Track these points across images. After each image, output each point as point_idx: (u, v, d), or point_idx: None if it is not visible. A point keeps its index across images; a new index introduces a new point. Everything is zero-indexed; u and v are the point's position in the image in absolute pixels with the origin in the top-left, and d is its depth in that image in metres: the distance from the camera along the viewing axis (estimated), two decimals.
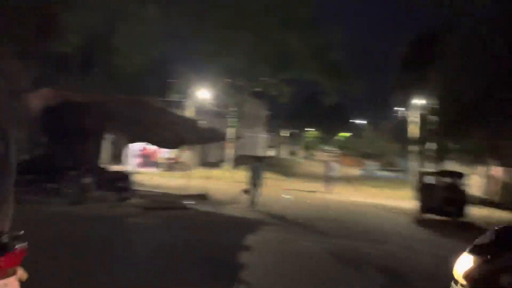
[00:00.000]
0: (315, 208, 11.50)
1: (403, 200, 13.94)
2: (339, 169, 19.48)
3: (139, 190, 9.90)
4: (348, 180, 21.26)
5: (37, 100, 9.70)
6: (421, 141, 20.26)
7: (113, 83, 12.05)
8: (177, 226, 7.16)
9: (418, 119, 21.60)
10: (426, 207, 10.84)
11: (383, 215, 11.48)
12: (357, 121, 45.05)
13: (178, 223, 7.47)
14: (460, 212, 10.35)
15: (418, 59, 14.15)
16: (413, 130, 22.29)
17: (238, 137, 22.15)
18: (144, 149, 18.67)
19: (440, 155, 17.64)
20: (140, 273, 4.33)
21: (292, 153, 44.24)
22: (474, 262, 2.91)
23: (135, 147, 17.61)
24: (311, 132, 48.95)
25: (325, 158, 28.48)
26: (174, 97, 21.69)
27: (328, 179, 17.00)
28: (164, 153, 19.50)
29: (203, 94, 22.06)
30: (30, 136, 9.65)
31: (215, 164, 21.76)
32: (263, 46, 17.16)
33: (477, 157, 15.04)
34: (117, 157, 17.61)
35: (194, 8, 13.21)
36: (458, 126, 11.82)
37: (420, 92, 18.51)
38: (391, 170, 29.36)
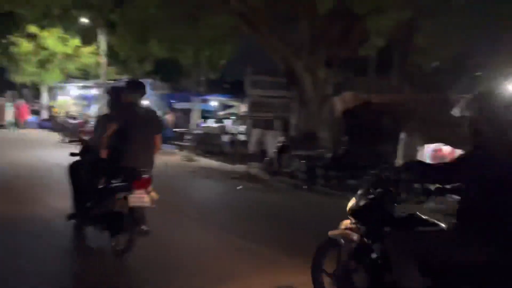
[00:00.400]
0: None
1: None
2: None
3: None
4: None
5: (340, 103, 10.78)
6: None
7: (409, 82, 11.92)
8: None
9: None
10: None
11: None
12: None
13: None
14: None
15: None
16: None
17: None
18: (439, 150, 17.52)
19: None
20: None
21: None
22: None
23: (430, 148, 16.76)
24: None
25: None
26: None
27: None
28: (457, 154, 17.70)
29: None
30: (333, 136, 10.81)
31: None
32: None
33: None
34: (409, 158, 17.30)
35: None
36: None
37: None
38: None
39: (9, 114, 19.97)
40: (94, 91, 21.45)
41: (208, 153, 15.04)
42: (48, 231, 4.94)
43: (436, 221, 2.57)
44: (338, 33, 10.04)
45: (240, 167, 12.46)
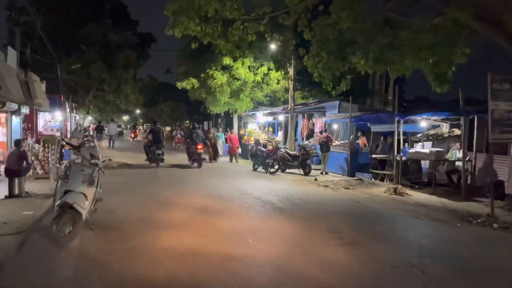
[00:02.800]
0: None
1: None
2: None
3: None
4: None
5: None
6: None
7: None
8: None
9: None
10: None
11: None
12: None
13: None
14: None
15: None
16: None
17: None
18: None
19: None
20: None
21: None
22: None
23: None
24: None
25: None
26: None
27: None
28: None
29: None
30: None
31: None
32: None
33: None
34: None
35: None
36: None
37: None
38: None
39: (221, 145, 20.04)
40: (281, 117, 21.22)
41: (415, 184, 12.38)
42: None
43: None
44: None
45: (471, 205, 9.49)
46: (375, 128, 14.75)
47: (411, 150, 12.76)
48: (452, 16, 8.08)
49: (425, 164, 13.22)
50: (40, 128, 24.05)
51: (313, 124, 21.44)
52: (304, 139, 20.53)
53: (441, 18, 8.47)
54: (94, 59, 34.16)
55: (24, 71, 16.09)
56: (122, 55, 35.89)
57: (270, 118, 22.93)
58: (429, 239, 6.69)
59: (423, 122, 13.31)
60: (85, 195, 5.31)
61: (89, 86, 36.02)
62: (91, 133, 30.17)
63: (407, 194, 11.04)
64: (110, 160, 5.40)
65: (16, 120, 15.75)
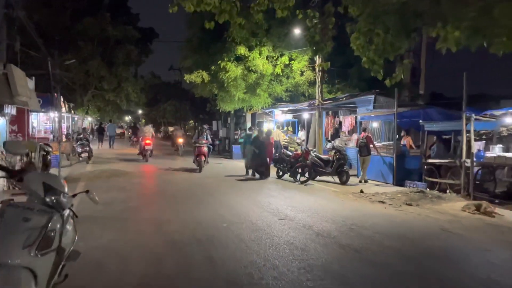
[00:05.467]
0: None
1: None
2: None
3: None
4: None
5: None
6: None
7: None
8: None
9: None
10: None
11: None
12: None
13: None
14: None
15: None
16: None
17: None
18: None
19: None
20: None
21: None
22: None
23: None
24: None
25: None
26: None
27: None
28: None
29: None
30: None
31: None
32: None
33: None
34: None
35: None
36: None
37: None
38: None
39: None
40: (304, 115, 18.44)
41: (496, 198, 9.68)
42: None
43: None
44: None
45: None
46: (429, 126, 11.99)
47: (490, 154, 10.00)
48: None
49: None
50: (33, 130, 21.50)
51: (339, 122, 18.71)
52: (330, 139, 17.80)
53: None
54: (92, 55, 31.69)
55: (3, 63, 13.43)
56: (122, 51, 33.34)
57: (289, 116, 20.14)
58: None
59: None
60: (32, 272, 2.65)
61: (87, 84, 33.59)
62: (88, 134, 27.65)
63: (495, 213, 8.32)
64: (87, 192, 2.91)
65: (1, 121, 13.10)
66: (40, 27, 29.60)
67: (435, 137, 12.96)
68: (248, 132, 17.25)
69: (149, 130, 18.05)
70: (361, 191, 10.97)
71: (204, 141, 15.54)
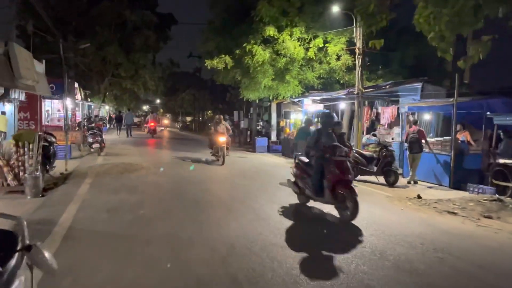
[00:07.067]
0: None
1: None
2: None
3: None
4: None
5: None
6: None
7: None
8: None
9: None
10: None
11: None
12: None
13: None
14: None
15: None
16: None
17: None
18: None
19: None
20: None
21: None
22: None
23: None
24: None
25: None
26: None
27: None
28: None
29: None
30: None
31: None
32: None
33: None
34: None
35: None
36: None
37: None
38: None
39: None
40: (342, 105, 16.45)
41: None
42: None
43: None
44: None
45: None
46: (500, 119, 9.94)
47: None
48: None
49: None
50: (48, 118, 20.23)
51: (377, 113, 16.69)
52: (364, 133, 15.82)
53: None
54: (109, 41, 30.25)
55: (4, 41, 11.93)
56: (139, 37, 31.74)
57: (320, 107, 18.20)
58: None
59: None
60: None
61: (104, 71, 32.24)
62: (103, 122, 26.47)
63: None
64: (29, 249, 1.54)
65: (9, 108, 12.00)
66: (56, 12, 28.34)
67: (501, 132, 10.91)
68: (303, 125, 13.55)
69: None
70: (419, 196, 9.10)
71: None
